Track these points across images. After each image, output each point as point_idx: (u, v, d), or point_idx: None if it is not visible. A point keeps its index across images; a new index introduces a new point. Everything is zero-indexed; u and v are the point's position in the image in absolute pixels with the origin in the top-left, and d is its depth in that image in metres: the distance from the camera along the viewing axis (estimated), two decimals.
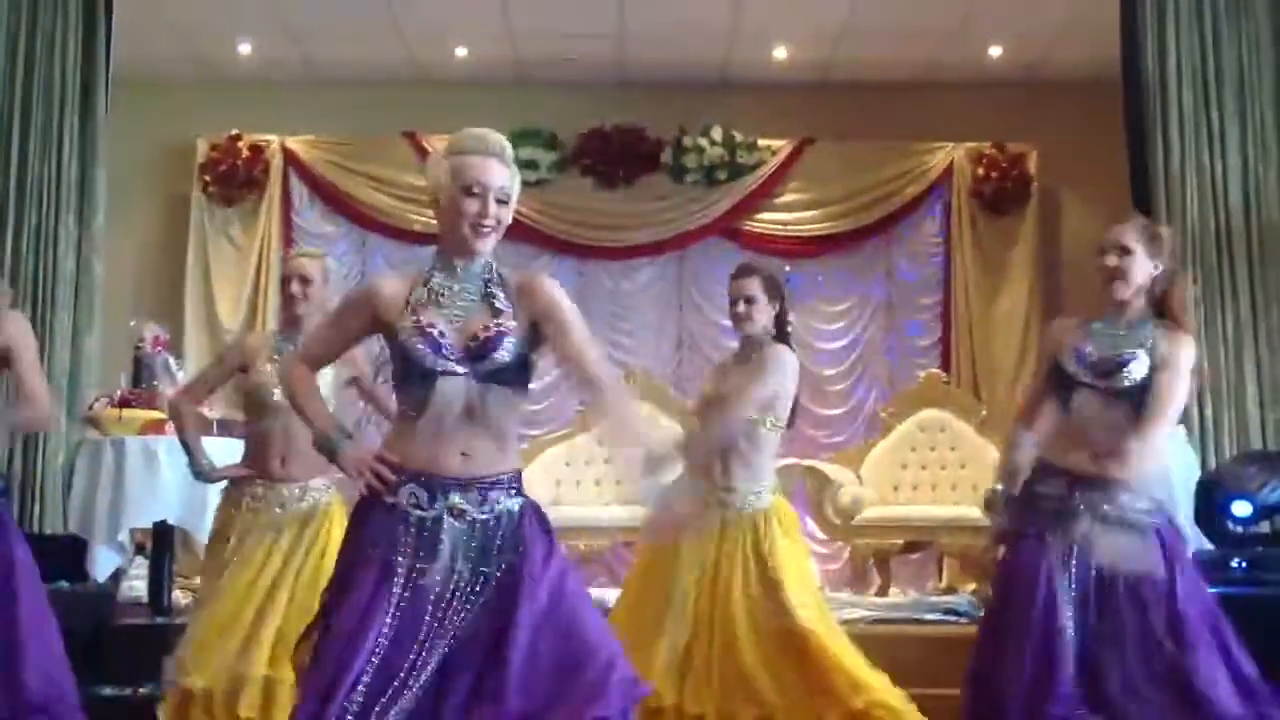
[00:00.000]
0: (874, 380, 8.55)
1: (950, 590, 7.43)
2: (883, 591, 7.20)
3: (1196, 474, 5.72)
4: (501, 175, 2.78)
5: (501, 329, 2.73)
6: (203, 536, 6.04)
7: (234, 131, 8.38)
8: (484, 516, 2.71)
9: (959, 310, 8.44)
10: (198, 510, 5.87)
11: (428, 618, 2.62)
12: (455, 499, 2.70)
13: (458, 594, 2.66)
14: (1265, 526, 5.62)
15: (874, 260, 8.64)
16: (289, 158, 8.49)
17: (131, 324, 6.57)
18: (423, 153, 8.44)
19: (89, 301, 6.42)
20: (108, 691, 4.89)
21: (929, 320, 8.60)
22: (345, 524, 3.61)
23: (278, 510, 4.15)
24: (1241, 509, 5.36)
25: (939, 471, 7.74)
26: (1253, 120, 6.36)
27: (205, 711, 3.97)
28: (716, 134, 8.39)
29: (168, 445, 5.90)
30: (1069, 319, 3.84)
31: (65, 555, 5.69)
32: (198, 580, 7.41)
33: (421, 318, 2.74)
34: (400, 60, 8.31)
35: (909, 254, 8.67)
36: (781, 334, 4.34)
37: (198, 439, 4.32)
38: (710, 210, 8.39)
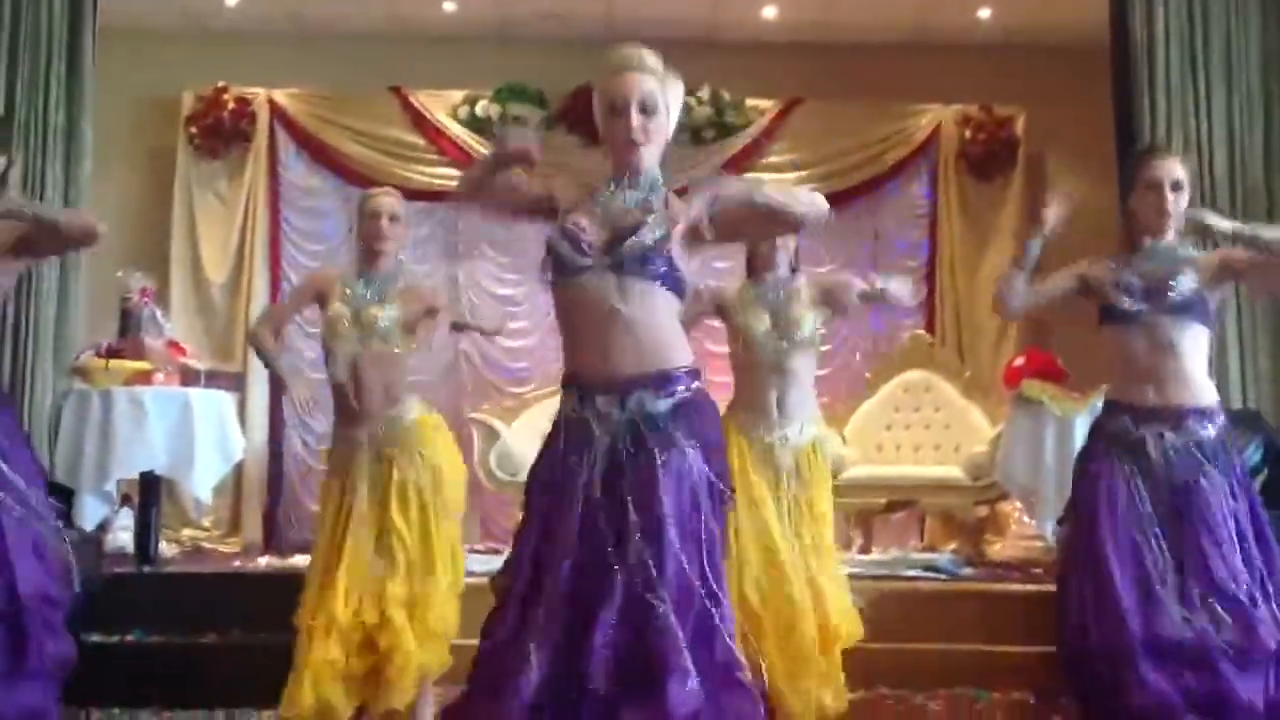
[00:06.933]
0: (859, 341, 8.58)
1: (931, 549, 7.52)
2: (865, 550, 7.28)
3: None
4: (642, 85, 2.82)
5: (645, 219, 2.76)
6: (189, 486, 6.13)
7: (220, 84, 8.33)
8: (623, 418, 2.74)
9: (944, 272, 8.48)
10: (184, 460, 5.93)
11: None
12: (599, 402, 2.76)
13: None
14: None
15: (860, 222, 8.64)
16: (275, 111, 8.45)
17: (118, 275, 6.58)
18: (409, 108, 8.44)
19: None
20: (96, 638, 4.94)
21: (914, 282, 8.57)
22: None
23: (366, 447, 4.25)
24: None
25: (922, 432, 7.79)
26: (1239, 85, 6.38)
27: (338, 643, 4.10)
28: (704, 93, 8.38)
29: (154, 396, 5.94)
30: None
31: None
32: (184, 532, 7.55)
33: (572, 217, 2.81)
34: (387, 14, 8.27)
35: (895, 216, 8.68)
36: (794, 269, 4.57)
37: (278, 361, 4.45)
38: (697, 170, 8.37)
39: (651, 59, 2.86)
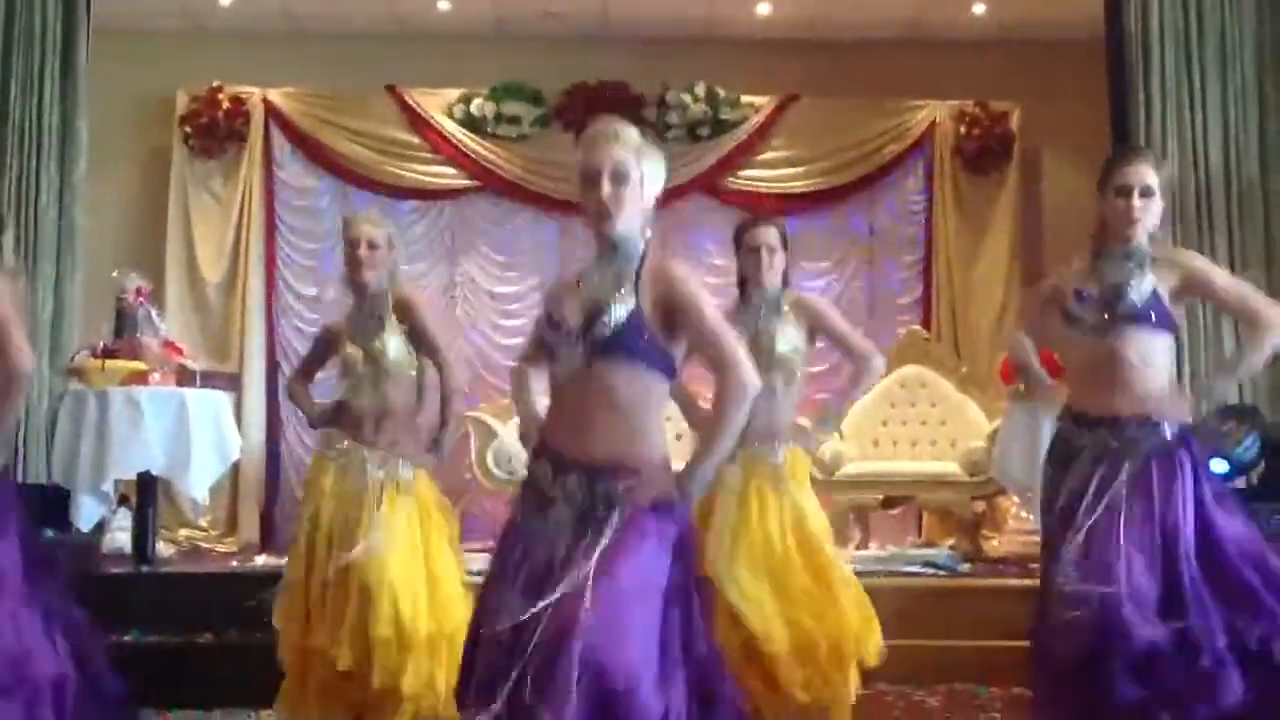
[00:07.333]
0: None
1: (929, 545, 7.52)
2: (862, 546, 7.27)
3: None
4: (613, 154, 2.81)
5: (613, 301, 2.75)
6: (186, 486, 6.13)
7: (215, 83, 8.32)
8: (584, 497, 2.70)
9: (940, 268, 8.48)
10: (181, 461, 5.92)
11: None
12: (569, 480, 2.72)
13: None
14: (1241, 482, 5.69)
15: (856, 218, 8.66)
16: (270, 110, 8.44)
17: (114, 274, 6.56)
18: (404, 106, 8.43)
19: (71, 251, 6.41)
20: None
21: (910, 278, 8.63)
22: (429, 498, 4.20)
23: (361, 474, 4.25)
24: (1218, 467, 5.41)
25: (919, 427, 7.79)
26: (1233, 80, 6.40)
27: (319, 667, 4.14)
28: (700, 90, 8.38)
29: (150, 396, 5.93)
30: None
31: (49, 505, 5.71)
32: (181, 532, 7.55)
33: (555, 301, 2.88)
34: (382, 13, 8.25)
35: (891, 211, 8.67)
36: (785, 284, 4.40)
37: (313, 408, 4.58)
38: (693, 167, 8.38)
39: (625, 131, 2.85)
